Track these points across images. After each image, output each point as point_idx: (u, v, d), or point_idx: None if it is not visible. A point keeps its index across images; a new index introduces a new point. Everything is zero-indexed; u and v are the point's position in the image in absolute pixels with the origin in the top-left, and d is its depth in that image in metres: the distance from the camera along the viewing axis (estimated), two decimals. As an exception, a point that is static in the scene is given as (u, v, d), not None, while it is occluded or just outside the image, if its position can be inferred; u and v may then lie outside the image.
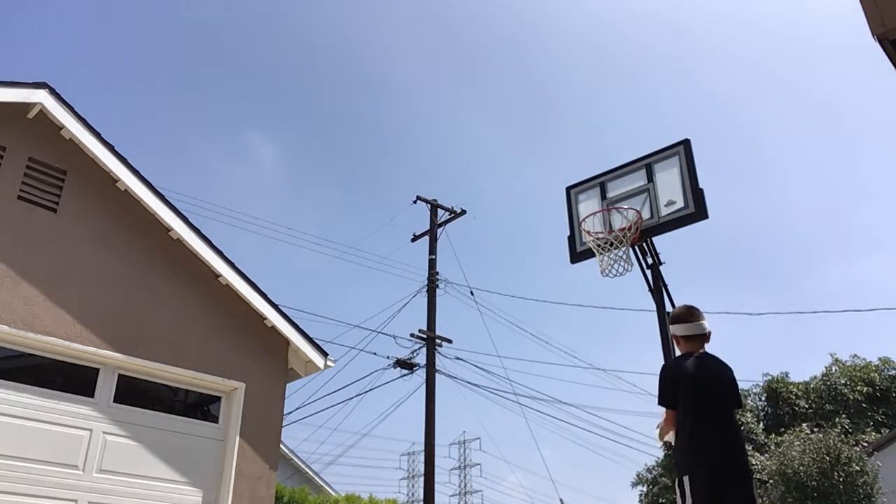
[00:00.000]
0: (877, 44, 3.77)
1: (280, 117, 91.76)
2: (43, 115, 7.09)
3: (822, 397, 27.04)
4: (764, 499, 17.48)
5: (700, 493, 3.75)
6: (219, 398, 7.86)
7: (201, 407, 7.78)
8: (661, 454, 25.58)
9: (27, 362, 6.62)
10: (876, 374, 27.15)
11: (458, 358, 20.72)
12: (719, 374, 4.08)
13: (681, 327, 4.21)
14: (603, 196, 8.40)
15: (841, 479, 14.74)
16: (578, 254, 8.35)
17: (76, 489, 6.48)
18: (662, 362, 7.13)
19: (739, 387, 4.19)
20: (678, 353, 4.28)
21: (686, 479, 3.82)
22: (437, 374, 17.15)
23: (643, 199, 8.01)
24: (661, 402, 4.11)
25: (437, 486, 16.51)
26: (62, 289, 6.82)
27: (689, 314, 4.25)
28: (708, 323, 4.28)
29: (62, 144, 7.23)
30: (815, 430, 16.52)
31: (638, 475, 27.74)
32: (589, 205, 8.44)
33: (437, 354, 17.36)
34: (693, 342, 4.19)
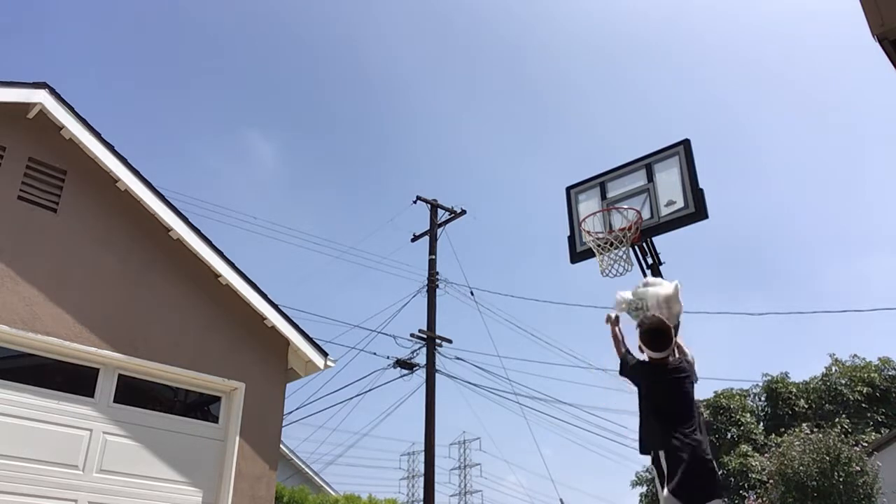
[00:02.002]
0: (877, 44, 3.77)
1: (279, 116, 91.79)
2: (43, 115, 7.09)
3: (822, 397, 27.05)
4: (764, 499, 17.48)
5: (676, 462, 4.31)
6: (219, 398, 7.86)
7: (201, 407, 7.78)
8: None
9: (27, 362, 6.63)
10: (876, 374, 27.15)
11: (458, 358, 20.72)
12: (683, 371, 4.67)
13: (654, 354, 4.66)
14: (603, 196, 8.39)
15: (841, 479, 14.74)
16: (578, 254, 8.34)
17: (76, 489, 6.48)
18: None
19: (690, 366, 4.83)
20: (639, 355, 4.79)
21: (662, 453, 4.38)
22: (437, 374, 17.15)
23: (643, 199, 8.00)
24: (622, 371, 4.82)
25: (437, 486, 16.53)
26: (62, 289, 6.82)
27: (659, 341, 4.66)
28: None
29: (62, 144, 7.23)
30: (815, 430, 16.52)
31: (638, 475, 27.76)
32: (589, 205, 8.43)
33: (437, 354, 17.36)
34: (661, 358, 4.68)
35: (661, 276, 7.80)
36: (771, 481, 16.64)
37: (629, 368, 4.83)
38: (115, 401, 7.02)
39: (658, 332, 4.67)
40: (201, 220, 18.11)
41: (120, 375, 7.14)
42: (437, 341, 17.50)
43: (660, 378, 4.62)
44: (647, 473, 26.93)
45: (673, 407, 4.51)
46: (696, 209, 7.59)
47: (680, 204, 7.71)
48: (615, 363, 5.02)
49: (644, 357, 4.80)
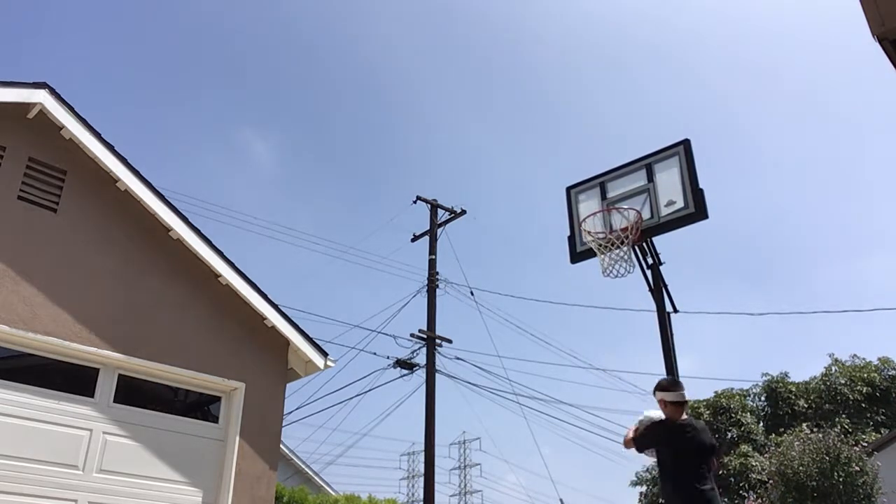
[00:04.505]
0: (877, 44, 3.77)
1: (278, 116, 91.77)
2: (43, 115, 7.09)
3: (822, 397, 27.04)
4: (764, 499, 17.48)
5: None
6: (219, 398, 7.85)
7: (201, 407, 7.78)
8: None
9: (27, 362, 6.62)
10: (876, 374, 27.14)
11: (458, 358, 20.75)
12: (705, 438, 4.96)
13: (669, 395, 5.07)
14: (603, 196, 8.40)
15: (841, 479, 14.73)
16: (579, 254, 8.35)
17: (76, 489, 6.48)
18: (663, 367, 7.25)
19: (716, 444, 5.12)
20: (663, 415, 5.09)
21: None
22: (437, 374, 17.15)
23: (643, 199, 8.00)
24: (640, 448, 5.13)
25: (437, 486, 16.52)
26: (62, 289, 6.82)
27: (675, 385, 5.14)
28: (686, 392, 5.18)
29: (62, 144, 7.23)
30: (815, 430, 16.52)
31: (637, 475, 27.75)
32: (589, 205, 8.44)
33: (437, 354, 17.36)
34: (678, 407, 5.04)
35: (662, 277, 7.82)
36: (771, 481, 16.63)
37: (646, 439, 5.06)
38: (115, 401, 7.01)
39: (675, 381, 5.21)
40: (201, 220, 18.13)
41: (120, 375, 7.14)
42: (437, 341, 17.50)
43: (679, 433, 4.87)
44: (647, 474, 26.93)
45: (695, 463, 4.77)
46: (696, 209, 7.60)
47: (680, 204, 7.72)
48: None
49: (661, 415, 5.10)
